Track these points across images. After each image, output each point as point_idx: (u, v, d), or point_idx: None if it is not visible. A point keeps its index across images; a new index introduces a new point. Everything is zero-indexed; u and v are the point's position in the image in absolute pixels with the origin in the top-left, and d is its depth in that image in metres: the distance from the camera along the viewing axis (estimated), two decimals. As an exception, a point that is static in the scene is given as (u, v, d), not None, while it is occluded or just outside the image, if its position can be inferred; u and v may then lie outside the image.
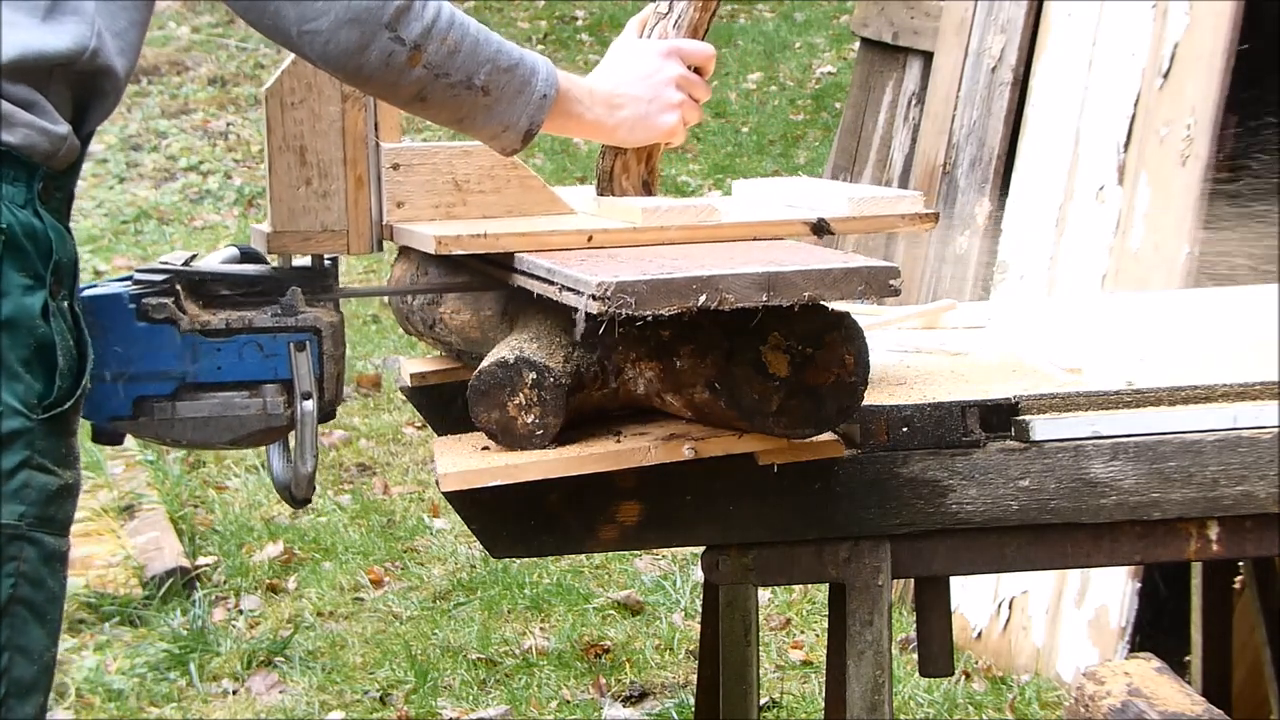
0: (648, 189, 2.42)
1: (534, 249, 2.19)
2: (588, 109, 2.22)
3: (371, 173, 2.40)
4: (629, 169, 2.40)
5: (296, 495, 2.34)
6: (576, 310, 1.86)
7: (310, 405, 2.26)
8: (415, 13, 2.01)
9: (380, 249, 2.44)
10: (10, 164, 1.88)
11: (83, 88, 1.97)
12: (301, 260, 2.40)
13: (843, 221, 2.32)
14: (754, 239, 2.28)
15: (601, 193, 2.42)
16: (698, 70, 2.30)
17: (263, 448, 2.43)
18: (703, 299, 1.83)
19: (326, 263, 2.38)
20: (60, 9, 1.91)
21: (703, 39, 2.33)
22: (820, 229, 2.29)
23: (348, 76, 2.05)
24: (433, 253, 2.24)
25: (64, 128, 1.92)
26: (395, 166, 2.40)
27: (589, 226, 2.29)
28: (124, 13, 1.98)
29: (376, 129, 2.40)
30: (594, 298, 1.81)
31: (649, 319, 1.83)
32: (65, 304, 1.92)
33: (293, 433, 2.30)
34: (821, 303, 1.89)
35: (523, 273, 2.05)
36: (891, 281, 1.88)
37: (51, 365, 1.89)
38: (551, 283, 1.94)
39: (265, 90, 2.40)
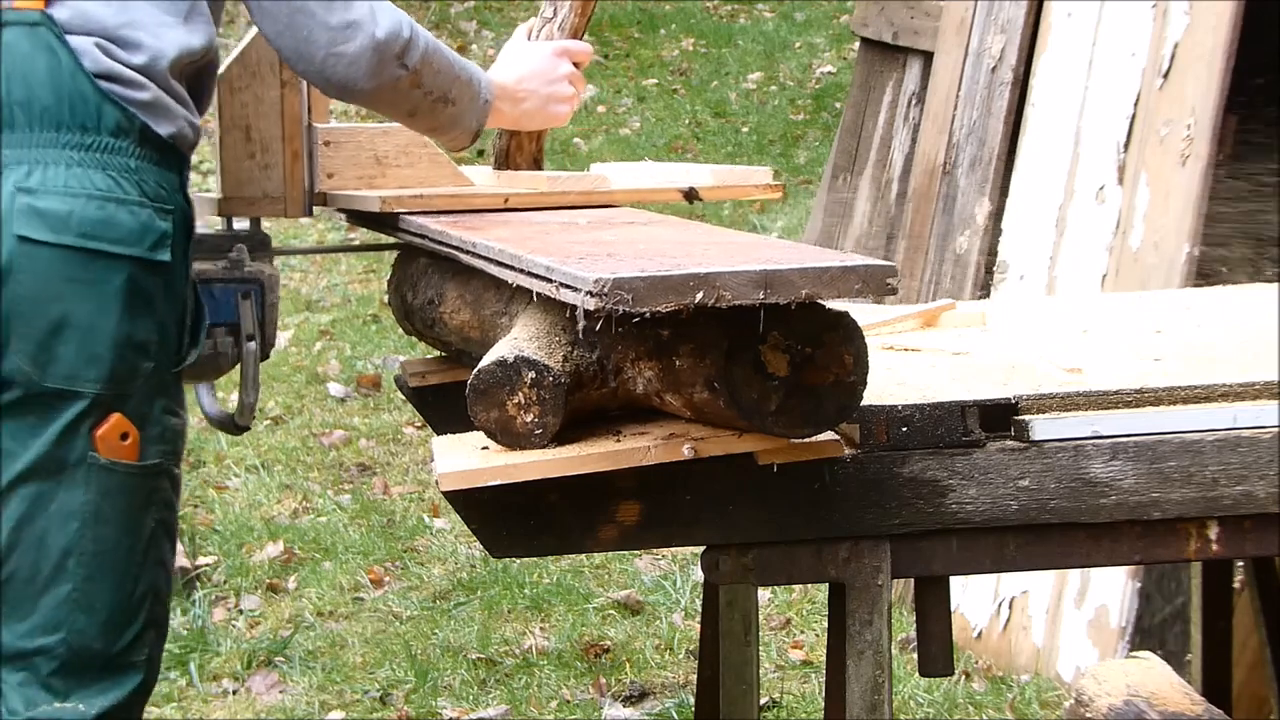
0: (537, 164, 2.85)
1: (460, 208, 2.63)
2: (501, 103, 2.66)
3: (305, 148, 2.76)
4: (522, 148, 2.84)
5: (240, 423, 2.74)
6: (575, 307, 1.87)
7: (254, 345, 2.66)
8: (413, 43, 2.42)
9: (311, 214, 2.81)
10: (170, 153, 2.30)
11: (202, 81, 2.36)
12: (239, 224, 2.78)
13: (708, 190, 2.76)
14: (638, 203, 2.79)
15: (499, 167, 2.85)
16: (575, 65, 2.76)
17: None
18: (700, 296, 1.83)
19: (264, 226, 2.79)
20: (195, 10, 2.31)
21: (581, 39, 2.78)
22: (690, 195, 2.74)
23: (359, 95, 2.43)
24: (378, 210, 2.61)
25: (199, 119, 2.34)
26: (327, 143, 2.77)
27: (505, 191, 2.70)
28: (215, 17, 2.37)
29: (310, 111, 2.77)
30: (591, 294, 1.81)
31: (646, 316, 1.83)
32: (191, 276, 2.36)
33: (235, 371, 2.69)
34: (818, 301, 1.89)
35: (521, 270, 2.05)
36: (889, 280, 1.88)
37: (184, 325, 2.33)
38: (549, 280, 1.94)
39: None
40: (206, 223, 2.81)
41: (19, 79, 2.23)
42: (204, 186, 9.20)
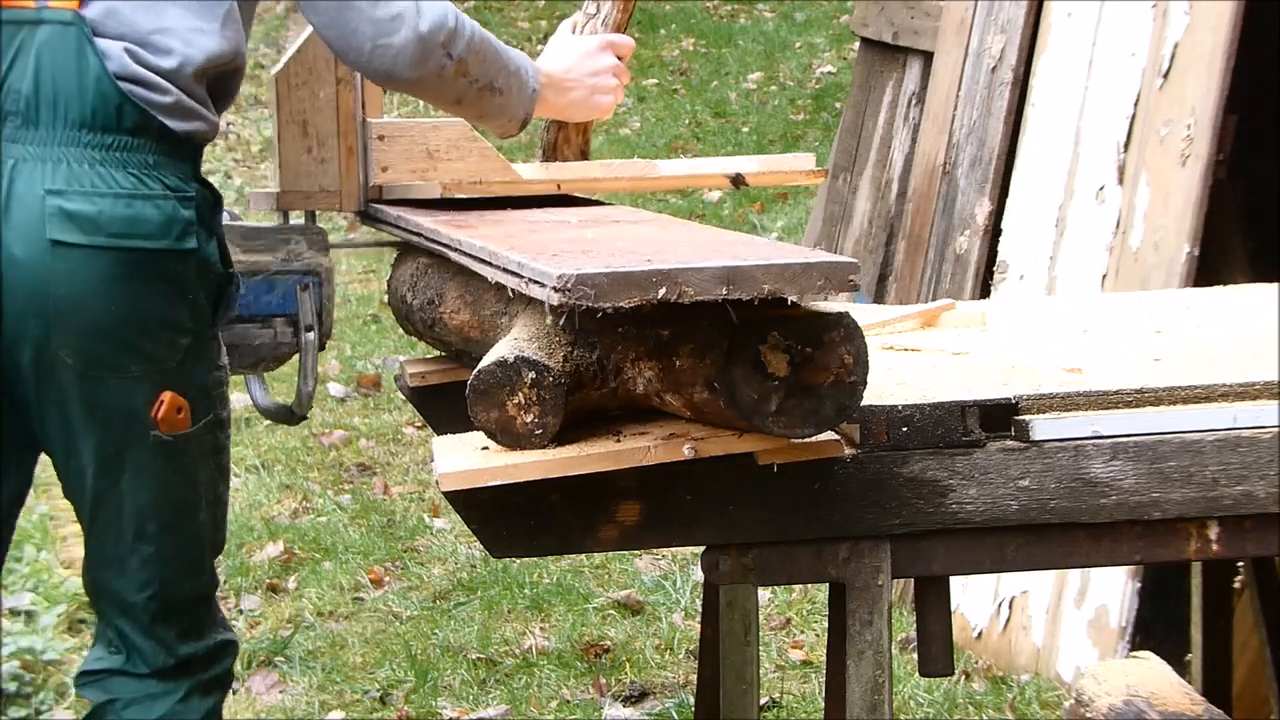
0: (584, 156, 2.92)
1: (518, 193, 2.72)
2: (548, 92, 2.73)
3: (360, 143, 2.83)
4: (570, 140, 2.90)
5: (297, 412, 2.86)
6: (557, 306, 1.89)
7: (312, 336, 2.76)
8: (459, 32, 2.49)
9: (366, 207, 2.86)
10: (186, 146, 2.39)
11: (226, 83, 2.45)
12: (295, 218, 2.86)
13: (754, 175, 2.85)
14: (687, 188, 3.08)
15: (546, 159, 2.91)
16: (619, 59, 2.83)
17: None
18: (662, 292, 1.84)
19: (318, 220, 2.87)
20: (228, 17, 2.40)
21: (624, 34, 2.86)
22: (737, 181, 2.83)
23: (406, 85, 2.52)
24: (439, 196, 2.68)
25: (217, 118, 2.44)
26: (381, 138, 2.83)
27: (558, 177, 2.78)
28: (246, 20, 2.47)
29: (364, 107, 2.84)
30: (555, 289, 1.83)
31: (609, 311, 1.83)
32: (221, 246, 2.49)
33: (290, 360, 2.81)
34: (783, 297, 1.89)
35: (497, 266, 2.06)
36: (851, 277, 1.88)
37: (219, 293, 2.44)
38: (520, 276, 1.96)
39: (275, 73, 2.82)
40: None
41: (48, 77, 2.33)
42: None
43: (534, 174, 2.89)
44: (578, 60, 2.78)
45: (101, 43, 2.33)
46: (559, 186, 2.74)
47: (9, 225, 2.31)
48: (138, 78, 2.34)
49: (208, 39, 2.38)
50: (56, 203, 2.31)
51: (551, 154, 2.91)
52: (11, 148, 2.33)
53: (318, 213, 2.90)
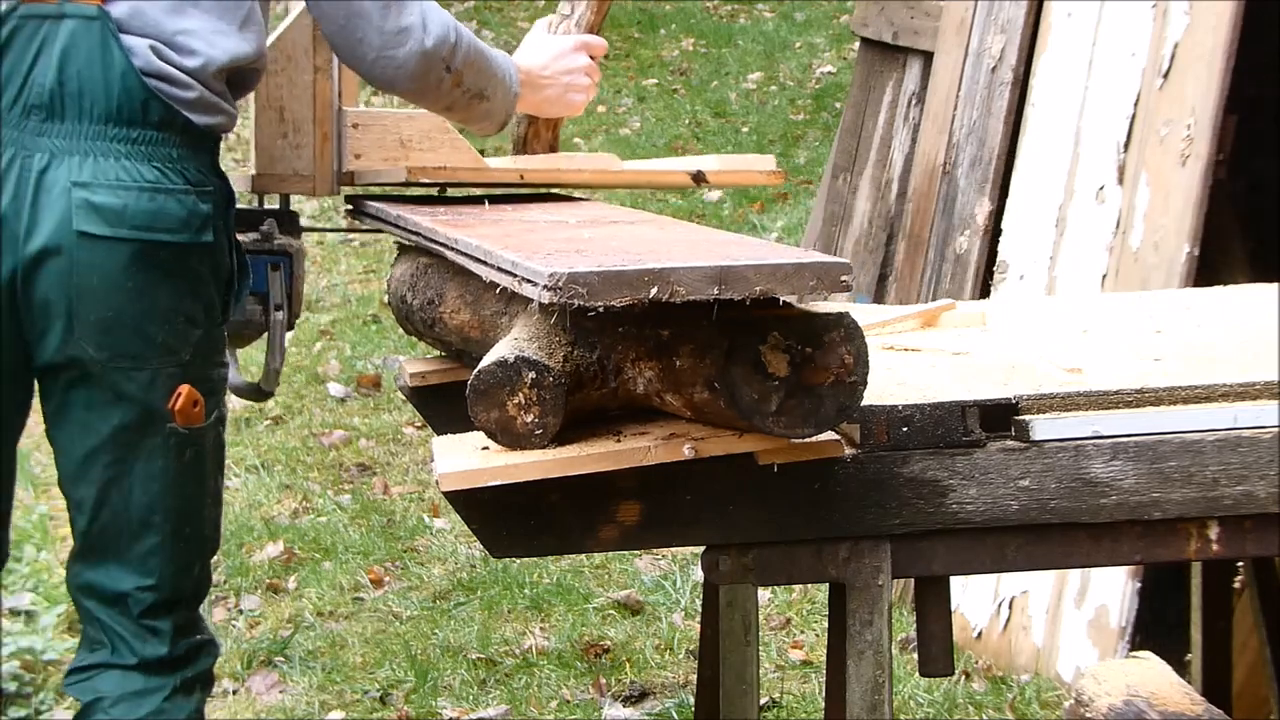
0: (552, 150, 3.04)
1: (482, 180, 2.83)
2: (525, 89, 2.83)
3: (335, 130, 2.90)
4: (540, 135, 3.03)
5: (265, 389, 2.92)
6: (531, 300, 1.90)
7: (281, 315, 2.83)
8: (458, 47, 2.59)
9: (338, 192, 2.95)
10: (207, 139, 2.49)
11: (241, 81, 2.53)
12: (269, 200, 2.94)
13: (715, 174, 2.93)
14: (649, 184, 3.06)
15: (516, 153, 3.03)
16: (592, 58, 2.94)
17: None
18: (654, 291, 1.84)
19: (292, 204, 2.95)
20: (249, 18, 2.47)
21: (597, 34, 2.98)
22: (698, 178, 2.92)
23: (402, 93, 2.61)
24: (405, 180, 2.77)
25: (235, 109, 2.52)
26: (355, 125, 2.91)
27: (522, 166, 2.88)
28: (266, 11, 2.55)
29: (340, 95, 2.91)
30: (546, 288, 1.83)
31: (600, 310, 1.83)
32: (232, 240, 2.56)
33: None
34: (774, 296, 1.89)
35: (492, 265, 2.06)
36: (843, 277, 1.88)
37: (228, 288, 2.53)
38: (514, 274, 1.96)
39: None
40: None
41: (73, 72, 2.38)
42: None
43: (503, 166, 2.96)
44: (553, 59, 2.89)
45: (127, 39, 2.38)
46: (522, 176, 2.83)
47: (37, 216, 2.36)
48: (163, 74, 2.40)
49: (229, 40, 2.44)
50: (83, 195, 2.36)
51: (522, 148, 3.02)
52: (38, 140, 2.38)
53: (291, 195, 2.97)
